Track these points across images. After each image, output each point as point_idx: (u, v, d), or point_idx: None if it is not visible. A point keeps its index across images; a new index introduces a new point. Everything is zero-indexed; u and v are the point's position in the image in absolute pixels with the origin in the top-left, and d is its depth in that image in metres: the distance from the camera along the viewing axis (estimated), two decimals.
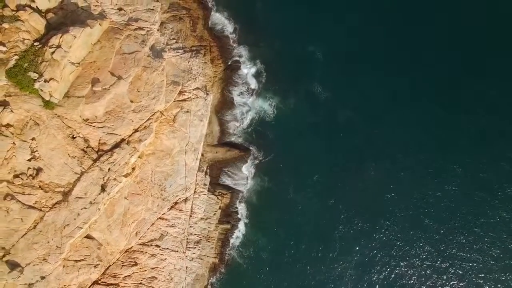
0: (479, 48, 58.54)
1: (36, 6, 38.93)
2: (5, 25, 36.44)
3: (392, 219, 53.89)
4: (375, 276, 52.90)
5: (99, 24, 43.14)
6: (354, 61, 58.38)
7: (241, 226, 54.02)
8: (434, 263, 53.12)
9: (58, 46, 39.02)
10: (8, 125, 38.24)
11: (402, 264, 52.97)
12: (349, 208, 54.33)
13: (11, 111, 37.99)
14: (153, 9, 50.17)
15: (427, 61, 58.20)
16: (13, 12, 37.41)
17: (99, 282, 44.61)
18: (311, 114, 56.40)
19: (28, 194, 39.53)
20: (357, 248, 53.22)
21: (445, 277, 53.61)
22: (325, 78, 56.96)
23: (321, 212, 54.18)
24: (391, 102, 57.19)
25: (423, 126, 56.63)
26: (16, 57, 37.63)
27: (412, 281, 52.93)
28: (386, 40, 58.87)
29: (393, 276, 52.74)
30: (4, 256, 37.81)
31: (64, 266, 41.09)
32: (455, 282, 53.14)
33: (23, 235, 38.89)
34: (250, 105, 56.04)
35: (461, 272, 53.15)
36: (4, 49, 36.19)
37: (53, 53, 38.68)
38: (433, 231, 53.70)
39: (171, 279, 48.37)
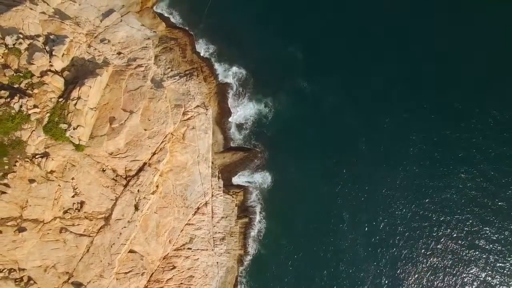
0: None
1: (55, 69, 43.61)
2: (36, 91, 41.06)
3: (389, 187, 56.70)
4: (385, 243, 55.03)
5: (106, 70, 47.07)
6: (330, 55, 61.27)
7: (258, 217, 55.79)
8: (431, 226, 55.45)
9: (78, 98, 43.33)
10: (52, 171, 42.31)
11: (404, 228, 55.36)
12: (351, 182, 56.88)
13: (52, 159, 42.14)
14: (146, 47, 54.01)
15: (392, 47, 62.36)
16: (39, 78, 42.10)
17: None
18: (301, 107, 59.46)
19: (77, 224, 43.21)
20: (365, 218, 55.75)
21: (441, 233, 55.46)
22: (308, 73, 60.62)
23: (327, 192, 56.58)
24: (368, 84, 60.34)
25: (402, 101, 59.81)
26: (48, 114, 42.07)
27: (415, 244, 55.07)
28: (355, 31, 63.14)
29: (401, 243, 54.97)
30: (69, 279, 41.74)
31: (117, 279, 44.59)
32: (454, 245, 55.04)
33: (80, 259, 42.64)
34: (246, 109, 58.72)
35: (460, 235, 55.24)
36: (38, 110, 40.80)
37: (75, 104, 42.98)
38: (428, 195, 56.57)
39: (206, 275, 51.00)
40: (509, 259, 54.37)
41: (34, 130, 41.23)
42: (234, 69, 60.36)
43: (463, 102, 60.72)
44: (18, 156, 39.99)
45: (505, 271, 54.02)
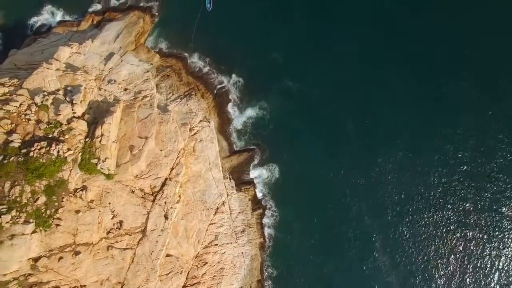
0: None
1: (77, 115, 47.92)
2: (66, 136, 45.25)
3: (383, 164, 61.53)
4: (387, 216, 59.68)
5: (118, 107, 50.51)
6: (308, 55, 66.38)
7: (270, 207, 59.82)
8: (420, 199, 60.55)
9: (102, 135, 46.94)
10: (92, 201, 45.90)
11: (404, 200, 60.32)
12: (346, 164, 61.68)
13: (90, 190, 46.15)
14: (147, 79, 57.20)
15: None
16: (67, 125, 46.42)
17: (186, 285, 51.47)
18: (291, 103, 64.00)
19: (120, 241, 46.79)
20: (365, 194, 60.50)
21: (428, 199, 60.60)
22: (291, 74, 65.61)
23: (328, 176, 61.16)
24: (346, 74, 65.33)
25: (382, 85, 65.01)
26: (80, 153, 46.21)
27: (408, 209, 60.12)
28: (326, 32, 67.85)
29: (404, 214, 59.66)
30: (122, 287, 45.73)
31: (161, 281, 48.30)
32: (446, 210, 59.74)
33: (128, 269, 46.45)
34: (243, 115, 63.08)
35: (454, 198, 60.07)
36: (72, 152, 45.10)
37: (100, 140, 47.10)
38: (419, 170, 61.54)
39: (234, 265, 54.81)
40: None
41: (72, 169, 45.29)
42: (226, 81, 64.54)
43: (442, 82, 66.08)
44: (63, 193, 44.20)
45: None
